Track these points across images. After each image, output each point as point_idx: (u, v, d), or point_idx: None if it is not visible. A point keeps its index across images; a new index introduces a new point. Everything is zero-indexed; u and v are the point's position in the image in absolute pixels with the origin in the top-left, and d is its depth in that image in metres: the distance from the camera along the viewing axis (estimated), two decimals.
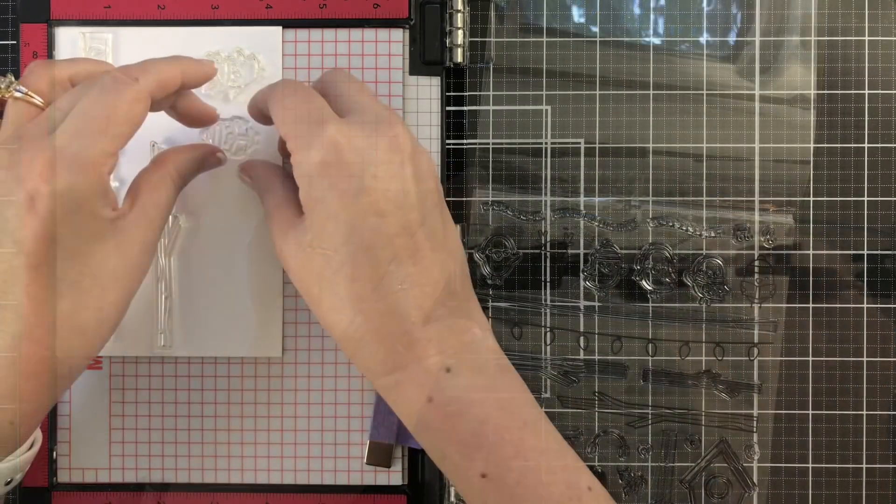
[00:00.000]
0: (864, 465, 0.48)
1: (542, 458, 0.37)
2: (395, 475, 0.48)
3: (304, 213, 0.39)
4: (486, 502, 0.37)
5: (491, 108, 0.48)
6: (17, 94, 0.39)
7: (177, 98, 0.43)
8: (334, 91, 0.41)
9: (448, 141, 0.48)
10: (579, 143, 0.48)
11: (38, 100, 0.39)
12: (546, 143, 0.48)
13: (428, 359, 0.38)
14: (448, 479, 0.39)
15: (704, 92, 0.48)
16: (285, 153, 0.44)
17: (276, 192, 0.42)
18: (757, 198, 0.48)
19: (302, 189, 0.38)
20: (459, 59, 0.48)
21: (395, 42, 0.48)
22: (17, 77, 0.40)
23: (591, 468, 0.48)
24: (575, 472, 0.38)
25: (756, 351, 0.48)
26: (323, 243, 0.38)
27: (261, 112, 0.43)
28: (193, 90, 0.44)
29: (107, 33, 0.48)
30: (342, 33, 0.48)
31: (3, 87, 0.39)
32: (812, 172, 0.48)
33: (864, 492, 0.48)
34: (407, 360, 0.38)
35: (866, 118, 0.48)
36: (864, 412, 0.48)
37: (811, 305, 0.48)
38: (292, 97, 0.40)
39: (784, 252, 0.48)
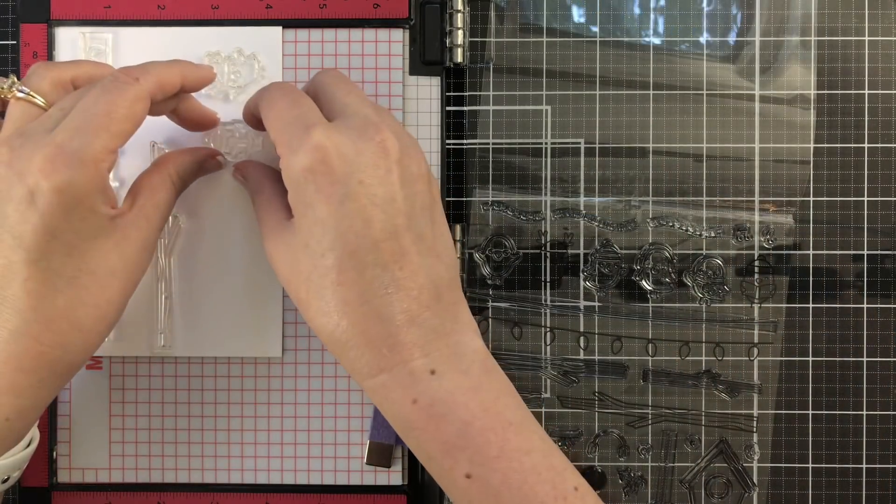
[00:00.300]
0: (864, 465, 0.48)
1: (527, 458, 0.38)
2: (395, 475, 0.48)
3: (293, 215, 0.39)
4: (471, 503, 0.38)
5: (491, 108, 0.48)
6: (20, 95, 0.39)
7: (178, 102, 0.44)
8: (324, 93, 0.41)
9: (448, 141, 0.48)
10: (579, 143, 0.48)
11: (39, 100, 0.39)
12: (546, 143, 0.48)
13: (412, 361, 0.38)
14: (434, 479, 0.39)
15: (704, 92, 0.48)
16: None
17: (266, 194, 0.42)
18: (757, 198, 0.48)
19: (290, 193, 0.38)
20: (459, 59, 0.48)
21: (395, 42, 0.48)
22: (18, 77, 0.40)
23: (591, 468, 0.48)
24: (561, 472, 0.38)
25: (756, 351, 0.48)
26: (310, 247, 0.38)
27: (254, 117, 0.43)
28: (194, 94, 0.45)
29: (107, 33, 0.48)
30: (342, 33, 0.48)
31: (5, 87, 0.40)
32: (812, 172, 0.48)
33: (864, 492, 0.48)
34: (392, 363, 0.38)
35: (866, 118, 0.48)
36: (864, 412, 0.48)
37: (811, 305, 0.48)
38: (281, 101, 0.40)
39: (784, 252, 0.48)
